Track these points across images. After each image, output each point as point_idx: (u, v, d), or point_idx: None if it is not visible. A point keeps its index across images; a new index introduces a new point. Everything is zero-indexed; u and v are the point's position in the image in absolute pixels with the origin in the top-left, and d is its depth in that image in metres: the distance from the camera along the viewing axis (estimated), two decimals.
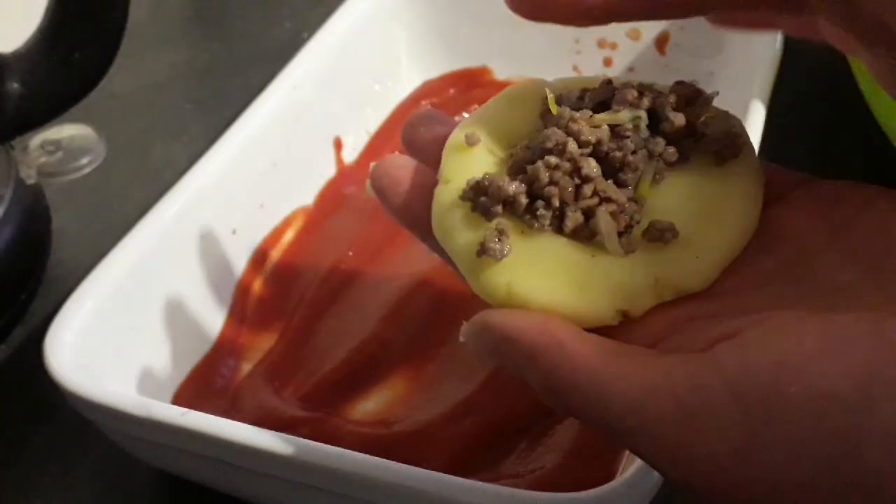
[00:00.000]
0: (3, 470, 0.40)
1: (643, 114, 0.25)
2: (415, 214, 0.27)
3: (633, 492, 0.29)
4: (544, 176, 0.24)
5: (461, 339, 0.25)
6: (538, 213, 0.25)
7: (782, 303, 0.22)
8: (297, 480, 0.32)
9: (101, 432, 0.36)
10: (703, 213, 0.25)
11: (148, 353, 0.39)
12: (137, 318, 0.38)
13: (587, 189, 0.24)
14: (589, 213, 0.24)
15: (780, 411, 0.20)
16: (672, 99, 0.25)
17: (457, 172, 0.26)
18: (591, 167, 0.24)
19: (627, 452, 0.34)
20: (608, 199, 0.24)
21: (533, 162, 0.25)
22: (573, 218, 0.24)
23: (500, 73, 0.54)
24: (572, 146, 0.25)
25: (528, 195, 0.25)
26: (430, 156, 0.27)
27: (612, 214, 0.24)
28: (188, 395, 0.39)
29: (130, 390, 0.37)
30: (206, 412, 0.33)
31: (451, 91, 0.54)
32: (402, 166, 0.27)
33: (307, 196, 0.47)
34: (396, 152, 0.28)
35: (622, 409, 0.21)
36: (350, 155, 0.50)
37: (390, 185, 0.27)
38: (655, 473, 0.29)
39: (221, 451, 0.32)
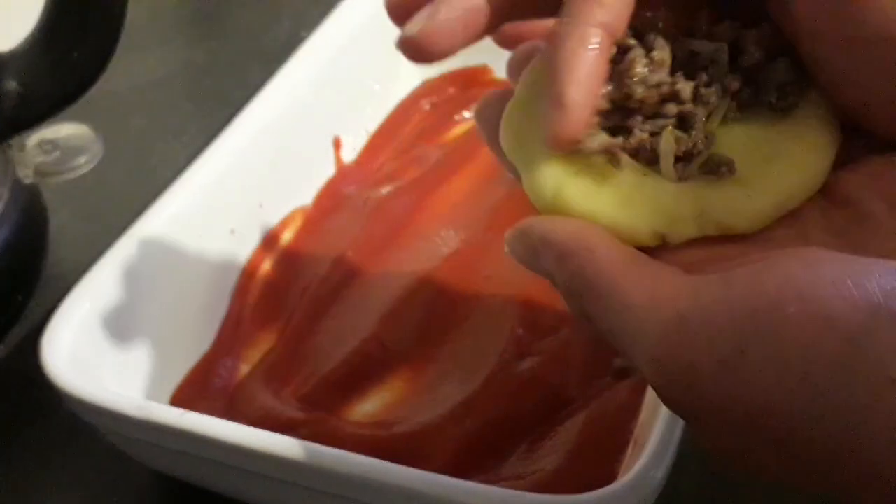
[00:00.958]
0: None
1: (724, 46, 0.25)
2: (488, 114, 0.27)
3: (634, 494, 0.29)
4: (637, 87, 0.24)
5: (505, 249, 0.25)
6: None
7: None
8: (295, 482, 0.32)
9: (98, 433, 0.36)
10: (765, 157, 0.24)
11: (145, 353, 0.38)
12: (135, 319, 0.38)
13: (670, 108, 0.24)
14: (655, 136, 0.24)
15: (772, 329, 0.19)
16: (754, 35, 0.25)
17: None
18: (687, 90, 0.24)
19: (629, 454, 0.34)
20: (681, 125, 0.24)
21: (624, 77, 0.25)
22: (639, 136, 0.24)
23: (500, 71, 0.54)
24: (665, 65, 0.24)
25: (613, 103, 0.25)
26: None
27: (677, 139, 0.24)
28: (186, 396, 0.39)
29: (128, 391, 0.37)
30: (205, 413, 0.33)
31: (451, 90, 0.54)
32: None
33: (306, 196, 0.47)
34: None
35: (628, 314, 0.21)
36: (349, 154, 0.50)
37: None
38: (657, 475, 0.29)
39: (219, 453, 0.32)
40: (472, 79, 0.54)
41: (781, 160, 0.24)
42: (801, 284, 0.20)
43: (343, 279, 0.43)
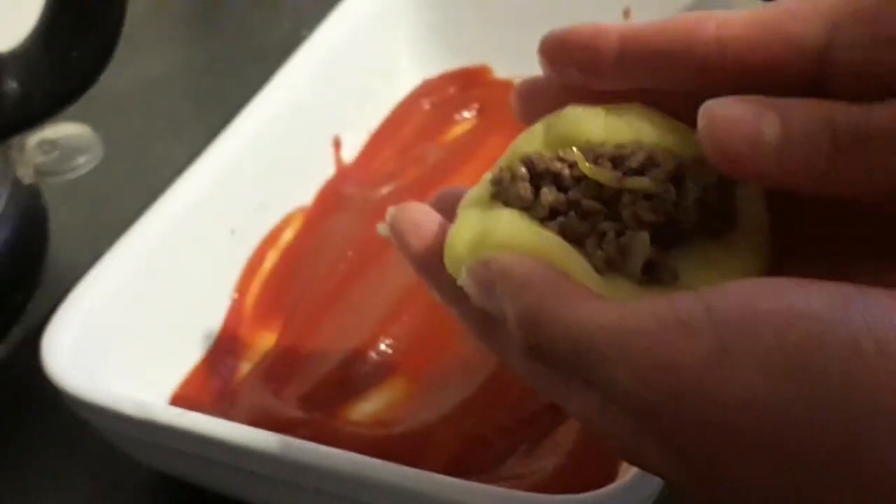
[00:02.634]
0: None
1: (671, 187, 0.24)
2: (433, 261, 0.26)
3: (633, 494, 0.29)
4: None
5: (458, 282, 0.25)
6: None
7: None
8: (295, 482, 0.32)
9: (98, 433, 0.36)
10: (705, 265, 0.24)
11: (146, 353, 0.38)
12: (135, 319, 0.38)
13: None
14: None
15: (748, 323, 0.20)
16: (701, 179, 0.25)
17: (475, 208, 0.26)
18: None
19: None
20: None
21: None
22: (610, 236, 0.24)
23: (500, 71, 0.54)
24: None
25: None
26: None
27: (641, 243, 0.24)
28: (186, 395, 0.39)
29: (128, 391, 0.37)
30: (205, 413, 0.33)
31: (451, 89, 0.54)
32: (425, 212, 0.27)
33: (306, 195, 0.47)
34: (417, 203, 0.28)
35: (600, 332, 0.21)
36: (349, 154, 0.50)
37: (410, 229, 0.27)
38: (656, 477, 0.29)
39: (219, 453, 0.32)
40: (472, 78, 0.54)
41: (722, 267, 0.24)
42: (776, 284, 0.20)
43: (343, 279, 0.43)
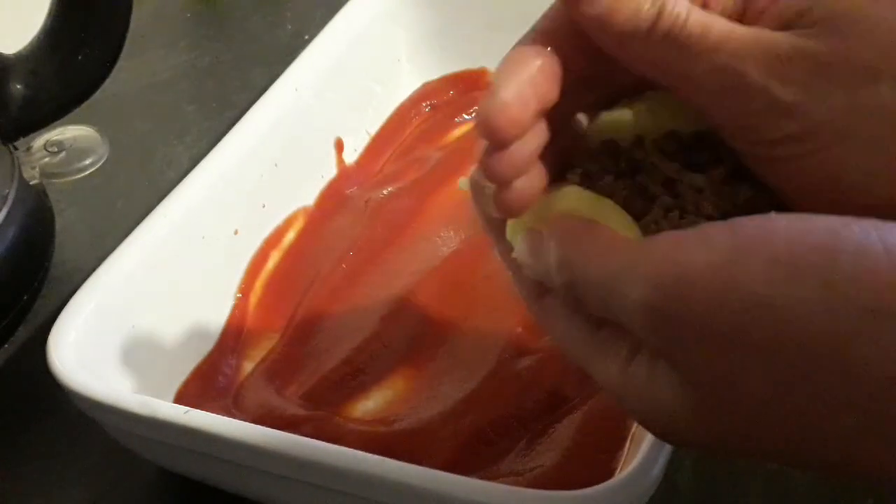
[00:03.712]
0: (6, 468, 0.40)
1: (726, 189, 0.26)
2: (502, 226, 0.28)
3: (631, 490, 0.29)
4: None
5: (513, 254, 0.26)
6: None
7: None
8: (298, 478, 0.32)
9: (104, 430, 0.36)
10: None
11: (150, 352, 0.39)
12: (140, 318, 0.38)
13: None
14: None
15: (763, 232, 0.21)
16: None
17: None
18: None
19: (626, 451, 0.34)
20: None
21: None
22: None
23: None
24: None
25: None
26: None
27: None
28: (190, 394, 0.39)
29: (133, 389, 0.37)
30: (209, 411, 0.33)
31: (451, 93, 0.54)
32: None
33: (308, 196, 0.48)
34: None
35: (624, 256, 0.23)
36: (351, 156, 0.50)
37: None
38: (654, 472, 0.30)
39: (223, 450, 0.33)
40: (471, 82, 0.54)
41: None
42: (790, 215, 0.21)
43: (345, 279, 0.44)
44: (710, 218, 0.24)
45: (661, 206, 0.25)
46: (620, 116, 0.27)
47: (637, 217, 0.25)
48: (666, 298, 0.21)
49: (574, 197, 0.26)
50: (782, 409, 0.21)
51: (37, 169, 0.48)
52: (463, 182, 0.28)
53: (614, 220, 0.25)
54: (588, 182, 0.26)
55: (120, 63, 0.46)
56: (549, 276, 0.25)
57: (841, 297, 0.19)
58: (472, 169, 0.27)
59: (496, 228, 0.28)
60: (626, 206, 0.25)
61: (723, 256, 0.21)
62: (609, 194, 0.25)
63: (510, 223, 0.27)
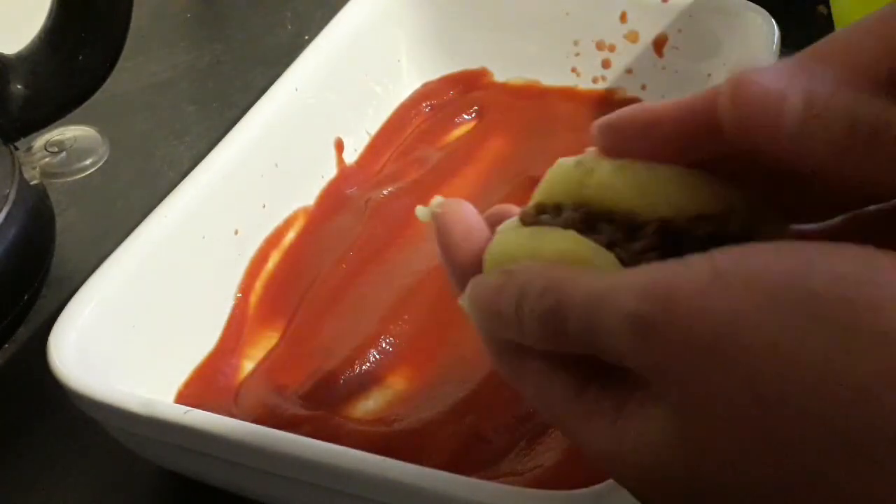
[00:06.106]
0: (6, 468, 0.40)
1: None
2: (473, 271, 0.27)
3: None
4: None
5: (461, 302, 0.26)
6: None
7: None
8: (298, 478, 0.32)
9: (104, 430, 0.36)
10: None
11: (151, 352, 0.39)
12: (140, 318, 0.39)
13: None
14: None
15: (744, 254, 0.21)
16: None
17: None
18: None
19: None
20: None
21: None
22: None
23: (499, 74, 0.54)
24: None
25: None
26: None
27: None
28: (191, 393, 0.39)
29: (133, 389, 0.37)
30: (209, 411, 0.34)
31: (451, 93, 0.54)
32: (477, 221, 0.28)
33: (308, 196, 0.48)
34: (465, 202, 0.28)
35: (610, 286, 0.22)
36: (351, 156, 0.50)
37: (460, 232, 0.27)
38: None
39: (223, 449, 0.33)
40: (471, 82, 0.54)
41: None
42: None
43: (345, 279, 0.44)
44: None
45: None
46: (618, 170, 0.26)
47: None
48: (654, 310, 0.21)
49: (560, 240, 0.25)
50: (768, 428, 0.20)
51: (37, 169, 0.48)
52: (421, 211, 0.28)
53: (602, 257, 0.24)
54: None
55: (120, 63, 0.46)
56: (518, 313, 0.24)
57: (819, 319, 0.19)
58: (433, 202, 0.27)
59: (461, 275, 0.27)
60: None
61: (704, 277, 0.21)
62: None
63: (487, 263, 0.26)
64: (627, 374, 0.23)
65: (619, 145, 0.25)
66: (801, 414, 0.20)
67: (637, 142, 0.25)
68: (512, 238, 0.26)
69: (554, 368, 0.24)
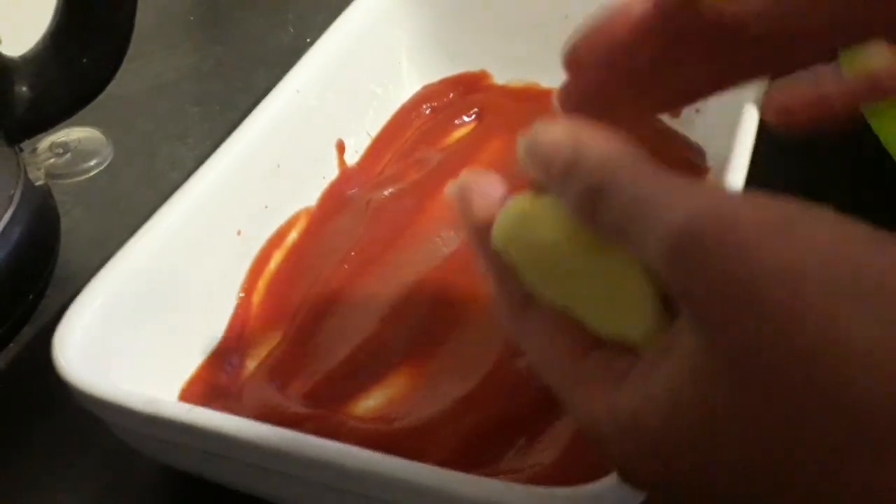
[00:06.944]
0: (10, 466, 0.40)
1: None
2: (485, 232, 0.27)
3: (628, 487, 0.30)
4: None
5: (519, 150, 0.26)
6: None
7: None
8: (300, 476, 0.33)
9: (108, 429, 0.36)
10: None
11: (154, 351, 0.39)
12: (144, 317, 0.39)
13: None
14: None
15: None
16: None
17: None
18: None
19: None
20: None
21: None
22: None
23: (498, 77, 0.55)
24: None
25: None
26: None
27: None
28: (194, 392, 0.40)
29: (137, 388, 0.37)
30: (212, 409, 0.34)
31: (451, 95, 0.54)
32: (495, 187, 0.28)
33: (310, 197, 0.48)
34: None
35: (662, 187, 0.22)
36: (352, 157, 0.51)
37: (477, 197, 0.28)
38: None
39: (226, 447, 0.33)
40: (471, 84, 0.55)
41: None
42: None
43: (346, 279, 0.44)
44: None
45: None
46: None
47: None
48: (704, 231, 0.20)
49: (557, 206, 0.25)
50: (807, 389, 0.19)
51: (42, 170, 0.48)
52: (451, 187, 0.28)
53: None
54: None
55: (124, 65, 0.46)
56: (565, 173, 0.24)
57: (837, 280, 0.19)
58: (461, 175, 0.27)
59: (481, 238, 0.27)
60: None
61: (775, 219, 0.20)
62: None
63: (496, 231, 0.26)
64: (632, 356, 0.23)
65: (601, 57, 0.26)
66: (845, 411, 0.19)
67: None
68: (529, 198, 0.26)
69: (559, 330, 0.24)
